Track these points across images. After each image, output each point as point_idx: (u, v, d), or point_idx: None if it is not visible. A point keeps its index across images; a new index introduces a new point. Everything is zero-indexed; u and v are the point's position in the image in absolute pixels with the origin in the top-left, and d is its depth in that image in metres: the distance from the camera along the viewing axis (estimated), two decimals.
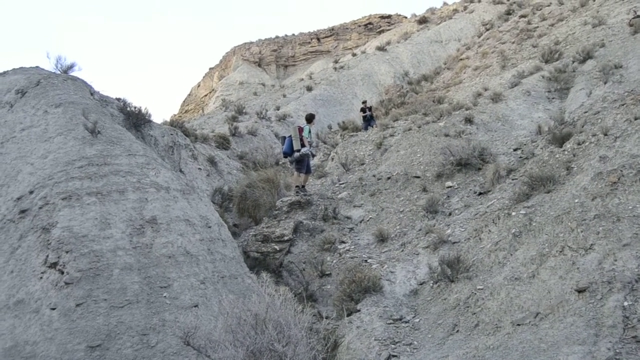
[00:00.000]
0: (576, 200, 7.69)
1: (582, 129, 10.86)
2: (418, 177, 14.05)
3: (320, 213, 13.67)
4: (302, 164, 14.63)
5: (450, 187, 13.15)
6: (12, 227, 8.95)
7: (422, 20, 48.14)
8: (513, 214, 8.99)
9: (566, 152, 10.20)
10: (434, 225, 11.17)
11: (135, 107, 15.45)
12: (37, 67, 14.95)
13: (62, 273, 7.88)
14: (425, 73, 36.76)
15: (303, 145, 14.52)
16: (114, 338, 7.39)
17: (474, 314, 7.09)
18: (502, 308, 6.73)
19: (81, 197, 9.09)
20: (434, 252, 9.79)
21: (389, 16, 68.01)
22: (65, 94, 12.46)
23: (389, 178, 14.44)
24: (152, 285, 8.23)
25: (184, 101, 79.47)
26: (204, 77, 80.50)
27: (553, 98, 18.13)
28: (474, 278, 8.00)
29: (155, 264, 8.59)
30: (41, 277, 7.96)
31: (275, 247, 12.90)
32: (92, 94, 14.06)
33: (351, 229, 13.11)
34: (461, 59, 35.37)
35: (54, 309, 7.53)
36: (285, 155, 14.89)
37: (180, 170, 17.05)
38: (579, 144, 10.09)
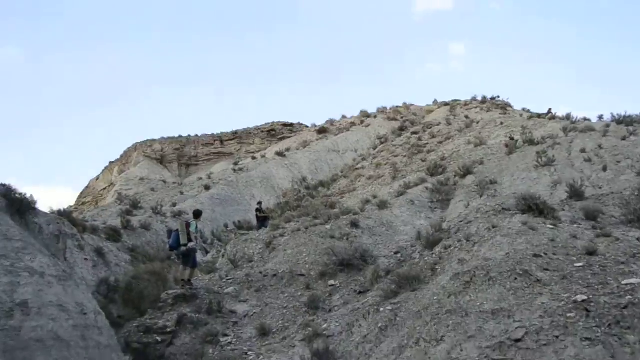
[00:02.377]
0: (435, 297, 8.35)
1: (450, 236, 11.80)
2: (303, 275, 14.48)
3: (205, 307, 13.69)
4: (188, 258, 14.77)
5: (333, 285, 13.63)
6: None
7: (322, 131, 50.31)
8: (381, 309, 9.55)
9: (434, 255, 11.03)
10: (313, 321, 11.51)
11: (19, 194, 15.24)
12: None
13: None
14: (322, 179, 38.11)
15: (190, 240, 14.68)
16: None
17: None
18: None
19: None
20: (308, 344, 10.08)
21: (292, 124, 70.49)
22: None
23: (274, 275, 14.78)
24: None
25: (81, 193, 77.21)
26: (103, 170, 78.94)
27: (435, 208, 19.43)
28: None
29: (22, 347, 8.38)
30: None
31: (157, 338, 12.72)
32: None
33: (235, 322, 13.19)
34: (357, 169, 37.11)
35: None
36: (172, 248, 15.04)
37: (65, 259, 16.67)
38: (445, 248, 10.97)
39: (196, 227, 15.18)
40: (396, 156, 34.96)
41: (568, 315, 6.53)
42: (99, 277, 17.24)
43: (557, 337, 6.21)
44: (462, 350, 6.65)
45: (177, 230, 14.93)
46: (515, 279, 7.79)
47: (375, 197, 22.11)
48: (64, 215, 19.57)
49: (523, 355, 6.13)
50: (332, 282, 13.79)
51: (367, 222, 17.84)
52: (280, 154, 42.49)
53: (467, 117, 40.92)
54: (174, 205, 31.46)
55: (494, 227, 10.51)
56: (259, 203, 26.90)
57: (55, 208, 21.78)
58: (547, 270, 7.86)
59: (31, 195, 15.65)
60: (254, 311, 13.50)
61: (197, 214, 15.69)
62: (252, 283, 14.80)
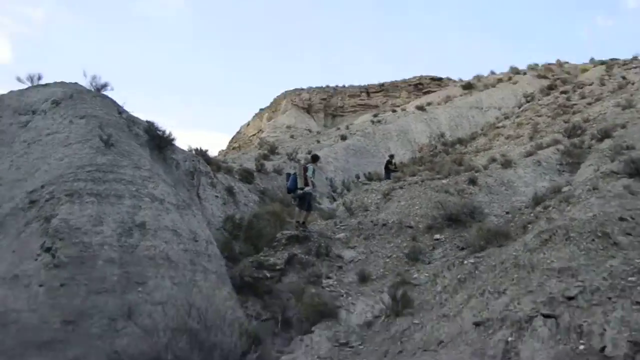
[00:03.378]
0: (513, 253, 8.44)
1: (555, 197, 11.57)
2: (411, 227, 14.82)
3: (314, 249, 14.52)
4: (303, 201, 15.52)
5: (438, 239, 13.87)
6: (21, 214, 10.16)
7: (467, 86, 49.15)
8: (465, 262, 9.77)
9: (532, 215, 10.92)
10: (407, 270, 11.93)
11: (160, 131, 16.71)
12: (75, 83, 16.43)
13: (54, 257, 9.02)
14: (461, 136, 37.53)
15: (306, 184, 15.41)
16: (86, 317, 8.49)
17: (401, 342, 7.85)
18: (423, 339, 7.50)
19: (82, 195, 10.28)
20: (395, 291, 10.55)
21: (440, 79, 69.11)
22: (91, 108, 13.82)
23: (384, 225, 15.25)
24: (130, 280, 9.29)
25: (232, 138, 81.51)
26: (253, 117, 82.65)
27: (563, 171, 18.73)
28: (415, 314, 8.78)
29: (136, 262, 9.65)
30: (36, 259, 9.11)
31: (267, 274, 13.76)
32: (119, 113, 15.35)
33: (340, 267, 13.90)
34: (497, 127, 36.11)
35: (41, 285, 8.72)
36: (289, 191, 15.85)
37: (198, 195, 18.21)
38: (544, 208, 10.82)
39: (313, 171, 15.87)
40: (540, 116, 33.52)
41: (629, 279, 6.44)
42: (226, 214, 18.66)
43: (610, 298, 6.19)
44: (518, 304, 6.81)
45: (295, 173, 15.74)
46: (593, 240, 7.70)
47: (503, 155, 21.64)
48: (200, 154, 21.19)
49: (571, 312, 6.21)
50: (437, 235, 14.02)
51: (487, 179, 17.68)
52: (420, 107, 42.28)
53: (623, 77, 37.96)
54: (309, 152, 32.66)
55: (594, 189, 10.21)
56: (391, 156, 27.19)
57: (210, 153, 23.34)
58: (629, 234, 7.66)
59: (170, 133, 17.06)
60: (359, 257, 14.12)
61: (315, 158, 16.38)
62: (362, 231, 15.40)
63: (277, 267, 13.87)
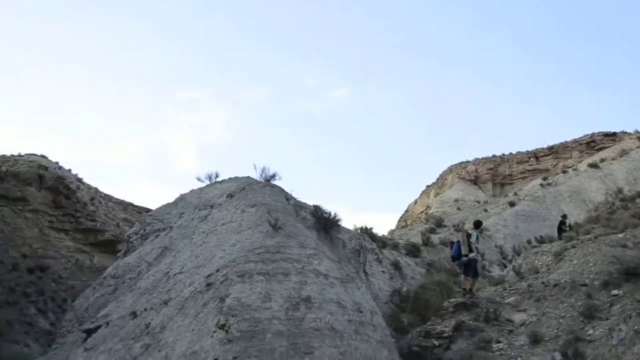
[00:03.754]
0: None
1: None
2: (585, 284, 14.08)
3: (483, 315, 14.25)
4: (469, 268, 15.44)
5: (616, 295, 13.02)
6: (200, 296, 11.25)
7: None
8: None
9: None
10: (582, 328, 11.32)
11: (326, 213, 17.59)
12: (247, 176, 18.06)
13: (227, 332, 9.84)
14: None
15: (471, 251, 15.35)
16: None
17: None
18: None
19: (252, 275, 11.17)
20: (567, 349, 10.08)
21: (614, 134, 65.05)
22: (260, 196, 15.10)
23: (556, 285, 14.65)
24: (297, 350, 9.82)
25: (401, 217, 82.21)
26: (420, 194, 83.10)
27: None
28: None
29: (303, 334, 10.19)
30: (212, 335, 9.99)
31: (435, 342, 13.72)
32: (287, 199, 16.53)
33: (510, 330, 13.49)
34: None
35: (216, 359, 9.46)
36: (454, 259, 15.88)
37: (365, 272, 18.70)
38: None
39: (477, 238, 15.83)
40: None
41: None
42: (393, 288, 18.92)
43: None
44: None
45: (459, 241, 15.77)
46: None
47: None
48: (365, 232, 21.86)
49: None
50: (615, 291, 13.16)
51: None
52: (593, 165, 40.20)
53: None
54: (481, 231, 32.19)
55: None
56: (564, 216, 26.11)
57: (380, 233, 24.16)
58: None
59: (335, 214, 17.86)
60: (530, 320, 13.62)
61: (478, 225, 16.35)
62: (532, 293, 14.88)
63: (445, 335, 13.79)
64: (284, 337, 9.99)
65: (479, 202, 62.58)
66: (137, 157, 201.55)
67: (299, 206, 16.99)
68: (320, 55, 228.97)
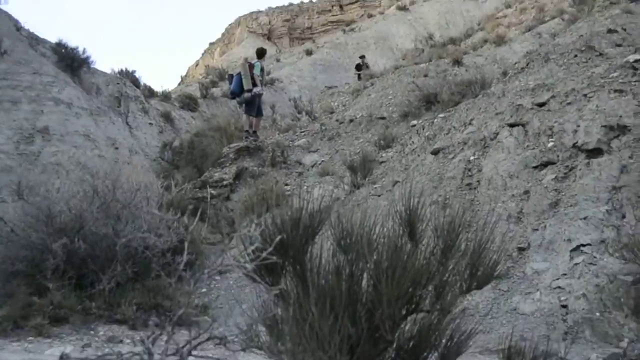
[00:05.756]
0: (487, 91, 8.88)
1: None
2: (383, 118, 15.19)
3: (269, 159, 14.85)
4: (252, 106, 15.58)
5: (414, 125, 14.23)
6: None
7: None
8: (435, 120, 10.21)
9: (517, 66, 11.37)
10: (378, 153, 12.42)
11: (71, 48, 16.77)
12: None
13: None
14: (454, 36, 37.75)
15: (254, 85, 15.47)
16: None
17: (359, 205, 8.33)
18: (381, 186, 7.95)
19: None
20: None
21: None
22: None
23: (351, 121, 15.63)
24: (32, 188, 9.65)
25: (179, 83, 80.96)
26: (203, 54, 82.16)
27: None
28: (378, 181, 9.27)
29: (40, 170, 9.99)
30: None
31: (212, 192, 14.10)
32: (18, 29, 15.51)
33: (300, 173, 14.27)
34: (497, 18, 36.37)
35: None
36: (234, 95, 15.92)
37: (127, 123, 18.44)
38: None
39: (261, 69, 15.91)
40: None
41: (611, 75, 6.88)
42: (164, 142, 18.93)
43: (586, 95, 6.65)
44: (485, 127, 7.27)
45: (239, 73, 15.76)
46: (575, 55, 8.17)
47: (497, 34, 22.00)
48: (125, 75, 21.30)
49: (541, 117, 6.65)
50: (414, 122, 14.35)
51: (476, 59, 18.05)
52: (402, 8, 42.47)
53: None
54: (268, 73, 32.80)
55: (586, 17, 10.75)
56: (362, 56, 27.34)
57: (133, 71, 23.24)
58: (618, 46, 8.12)
59: (84, 50, 17.07)
60: (322, 160, 14.50)
61: (261, 53, 16.38)
62: (325, 132, 15.75)
63: (225, 183, 14.22)
64: (14, 174, 9.73)
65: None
66: None
67: (35, 39, 16.11)
68: None
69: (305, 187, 11.55)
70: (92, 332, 6.01)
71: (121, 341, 5.77)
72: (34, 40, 15.88)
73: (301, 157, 15.10)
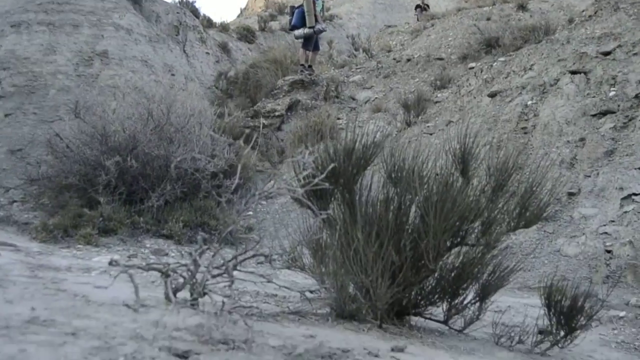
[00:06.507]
0: (550, 38, 8.67)
1: None
2: (441, 59, 14.97)
3: (322, 93, 14.82)
4: (310, 41, 15.56)
5: (472, 67, 14.00)
6: None
7: None
8: (494, 64, 10.06)
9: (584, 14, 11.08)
10: (433, 93, 12.32)
11: None
12: None
13: None
14: None
15: (317, 22, 15.35)
16: (35, 145, 9.05)
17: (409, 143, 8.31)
18: (434, 125, 7.89)
19: (31, 25, 10.71)
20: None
21: None
22: None
23: (408, 60, 15.45)
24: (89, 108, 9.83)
25: (238, 16, 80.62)
26: None
27: None
28: (431, 120, 9.20)
29: (97, 92, 10.15)
30: None
31: (264, 121, 14.18)
32: None
33: (353, 108, 14.24)
34: None
35: None
36: (294, 28, 15.84)
37: (184, 52, 18.52)
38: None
39: (322, 7, 15.88)
40: None
41: None
42: (220, 72, 19.00)
43: None
44: (545, 72, 7.13)
45: (301, 6, 15.64)
46: None
47: None
48: (185, 5, 21.31)
49: (604, 65, 6.48)
50: (472, 64, 14.12)
51: (541, 5, 17.59)
52: None
53: None
54: (327, 10, 32.44)
55: None
56: None
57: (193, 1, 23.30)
58: None
59: None
60: (376, 96, 14.41)
61: None
62: (381, 70, 15.61)
63: (277, 114, 14.28)
64: (72, 94, 9.90)
65: None
66: None
67: None
68: None
69: (357, 122, 11.48)
70: (138, 244, 6.23)
71: (167, 254, 5.97)
72: None
73: (355, 93, 15.04)
